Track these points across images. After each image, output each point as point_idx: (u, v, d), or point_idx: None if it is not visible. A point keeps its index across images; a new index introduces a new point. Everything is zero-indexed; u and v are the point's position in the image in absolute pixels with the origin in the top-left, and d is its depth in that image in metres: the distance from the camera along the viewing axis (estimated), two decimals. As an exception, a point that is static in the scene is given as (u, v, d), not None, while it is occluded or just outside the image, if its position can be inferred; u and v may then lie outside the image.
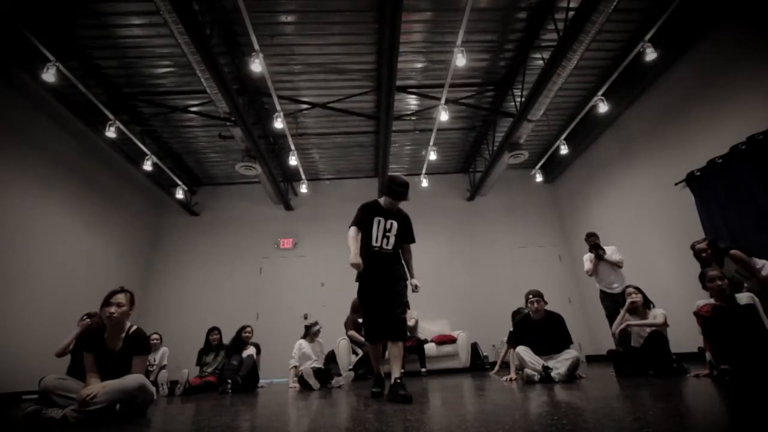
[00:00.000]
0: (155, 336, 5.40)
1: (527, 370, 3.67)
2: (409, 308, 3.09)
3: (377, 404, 2.49)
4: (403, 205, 3.20)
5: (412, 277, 3.19)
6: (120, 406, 2.45)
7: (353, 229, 3.02)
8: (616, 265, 4.96)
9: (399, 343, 2.91)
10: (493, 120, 6.94)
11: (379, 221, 3.03)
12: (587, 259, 5.15)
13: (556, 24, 4.83)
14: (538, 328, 4.01)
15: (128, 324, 2.76)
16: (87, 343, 2.69)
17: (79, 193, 6.20)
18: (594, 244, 5.12)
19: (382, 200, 3.15)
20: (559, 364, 3.70)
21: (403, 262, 3.16)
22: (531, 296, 4.10)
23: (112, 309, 2.63)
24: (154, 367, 5.24)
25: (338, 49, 5.28)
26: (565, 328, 4.01)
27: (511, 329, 4.61)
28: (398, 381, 2.70)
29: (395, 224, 3.06)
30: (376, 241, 3.00)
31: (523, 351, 3.78)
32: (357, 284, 3.00)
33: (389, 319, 2.89)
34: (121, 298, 2.69)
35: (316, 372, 5.01)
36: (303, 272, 7.97)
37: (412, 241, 3.22)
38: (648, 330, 3.68)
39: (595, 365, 5.68)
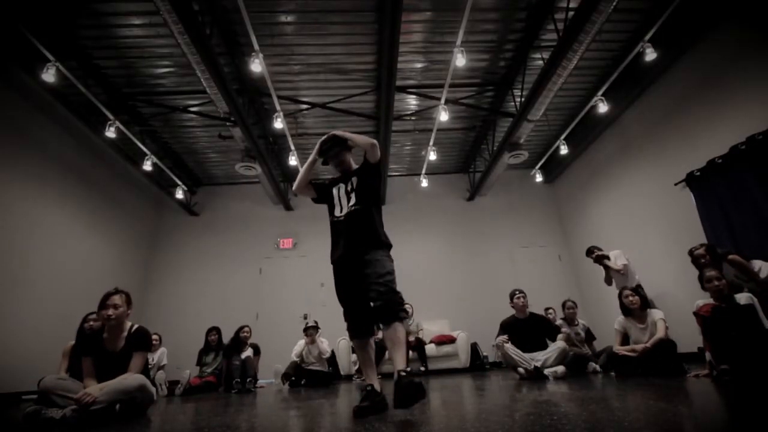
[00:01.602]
0: (155, 336, 5.40)
1: (519, 369, 3.80)
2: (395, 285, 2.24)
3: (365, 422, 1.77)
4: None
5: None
6: (120, 406, 2.46)
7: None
8: (618, 272, 5.06)
9: (396, 325, 2.12)
10: (493, 120, 6.93)
11: (339, 188, 2.57)
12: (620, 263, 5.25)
13: (556, 24, 4.83)
14: (523, 327, 4.13)
15: (128, 323, 2.78)
16: (86, 347, 2.70)
17: (79, 193, 6.20)
18: (597, 257, 5.26)
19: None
20: (547, 356, 3.82)
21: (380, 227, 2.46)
22: (517, 292, 4.23)
23: (110, 311, 2.65)
24: (152, 366, 5.25)
25: (338, 49, 5.27)
26: (549, 326, 4.20)
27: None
28: (403, 374, 1.96)
29: (355, 179, 2.52)
30: (341, 211, 2.49)
31: (510, 349, 3.90)
32: None
33: (374, 297, 2.15)
34: (116, 299, 2.70)
35: (313, 373, 5.09)
36: (303, 272, 7.96)
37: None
38: (649, 334, 3.71)
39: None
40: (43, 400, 2.48)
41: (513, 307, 4.28)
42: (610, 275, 5.28)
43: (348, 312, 2.35)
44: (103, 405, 2.35)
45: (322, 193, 2.65)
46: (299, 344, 5.41)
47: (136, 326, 2.79)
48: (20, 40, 4.31)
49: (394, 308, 2.14)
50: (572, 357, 4.19)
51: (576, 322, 5.05)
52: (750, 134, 4.06)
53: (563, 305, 5.22)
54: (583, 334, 4.99)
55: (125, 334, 2.72)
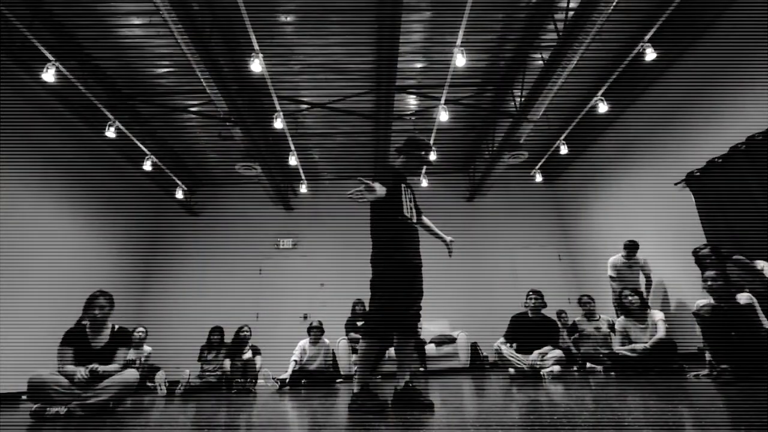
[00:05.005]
0: (141, 330, 5.66)
1: (510, 369, 3.90)
2: None
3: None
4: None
5: (444, 239, 2.84)
6: (112, 403, 2.59)
7: (380, 188, 2.25)
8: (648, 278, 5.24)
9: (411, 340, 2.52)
10: (493, 120, 6.93)
11: (405, 189, 2.55)
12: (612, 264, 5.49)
13: (555, 24, 4.83)
14: (531, 325, 4.19)
15: (110, 323, 3.12)
16: (71, 338, 2.99)
17: (79, 193, 6.19)
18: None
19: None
20: (545, 359, 3.92)
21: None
22: (531, 293, 4.29)
23: (96, 311, 2.99)
24: (143, 362, 5.41)
25: (338, 49, 5.27)
26: (555, 332, 4.27)
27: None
28: (413, 385, 2.35)
29: (412, 196, 2.67)
30: (408, 211, 2.49)
31: (503, 347, 4.06)
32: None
33: (415, 311, 2.42)
34: (102, 300, 3.03)
35: (315, 374, 5.09)
36: (303, 272, 7.97)
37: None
38: (650, 334, 3.73)
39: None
40: (37, 397, 2.59)
41: (525, 304, 4.40)
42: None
43: (404, 314, 2.37)
44: (105, 398, 2.48)
45: (394, 192, 2.46)
46: (300, 345, 5.42)
47: (117, 326, 3.15)
48: (20, 40, 4.30)
49: (417, 326, 2.51)
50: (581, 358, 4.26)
51: (597, 317, 4.79)
52: (750, 134, 4.07)
53: (579, 301, 5.01)
54: (605, 329, 4.64)
55: (108, 332, 3.06)
